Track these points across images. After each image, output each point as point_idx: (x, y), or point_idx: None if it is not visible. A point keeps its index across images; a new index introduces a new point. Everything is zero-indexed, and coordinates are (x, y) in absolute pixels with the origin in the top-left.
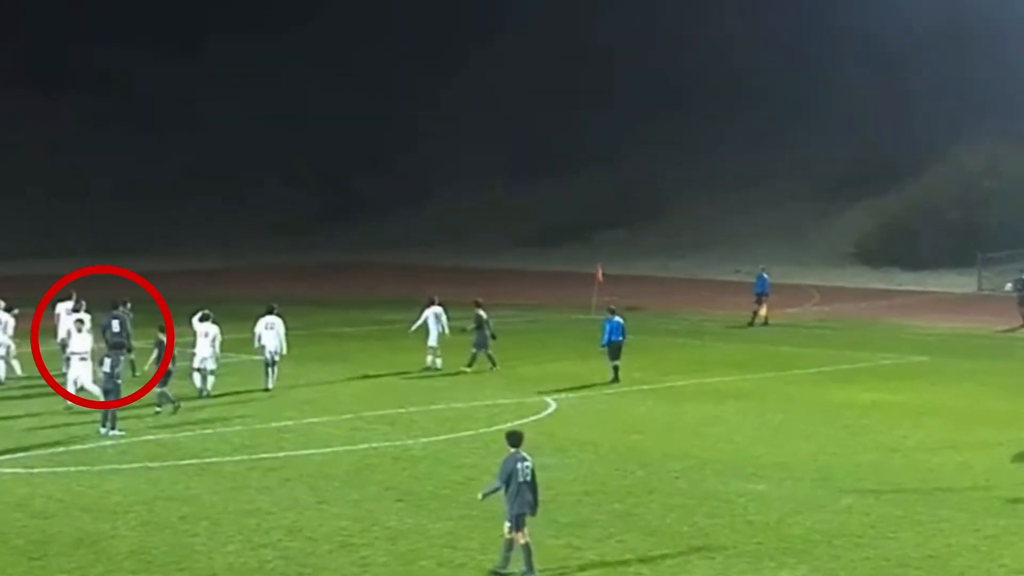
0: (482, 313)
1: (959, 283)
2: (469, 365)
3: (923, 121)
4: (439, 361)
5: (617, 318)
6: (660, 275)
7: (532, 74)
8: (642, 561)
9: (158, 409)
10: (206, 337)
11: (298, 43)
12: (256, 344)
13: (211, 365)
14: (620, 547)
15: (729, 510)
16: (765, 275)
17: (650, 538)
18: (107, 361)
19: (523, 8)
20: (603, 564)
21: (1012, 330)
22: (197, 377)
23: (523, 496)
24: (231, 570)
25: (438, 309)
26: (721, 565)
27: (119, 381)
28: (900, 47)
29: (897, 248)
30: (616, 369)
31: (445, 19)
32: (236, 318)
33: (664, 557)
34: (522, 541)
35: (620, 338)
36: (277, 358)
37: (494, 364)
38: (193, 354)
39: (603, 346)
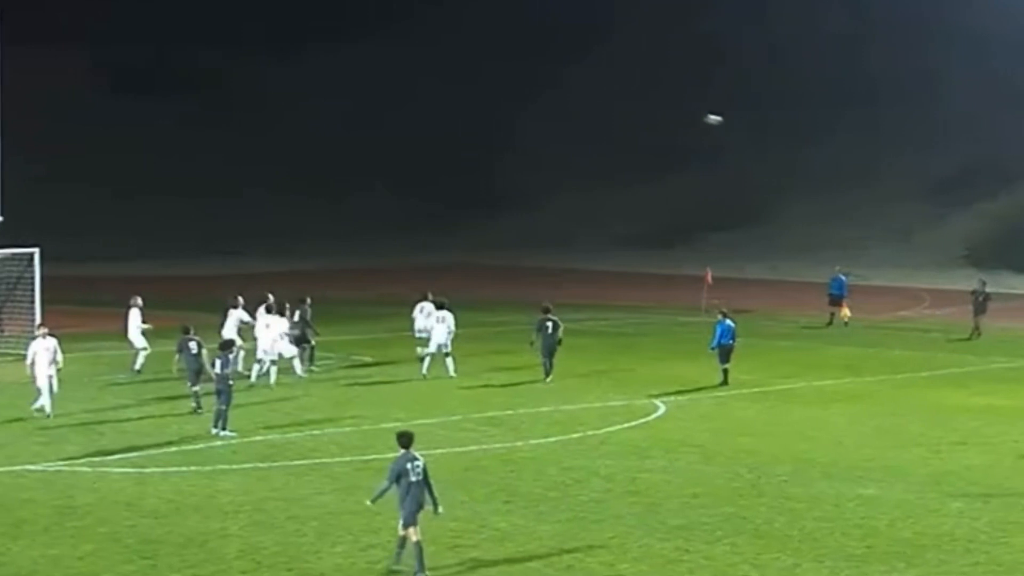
0: (552, 318)
1: None
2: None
3: None
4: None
5: (728, 321)
6: (767, 277)
7: (639, 74)
8: (751, 564)
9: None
10: (268, 329)
11: (403, 46)
12: (417, 335)
13: (285, 353)
14: (729, 550)
15: (838, 514)
16: (843, 276)
17: (759, 541)
18: (218, 362)
19: (630, 7)
20: (712, 567)
21: None
22: (256, 368)
23: (414, 495)
24: (339, 570)
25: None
26: (830, 569)
27: (231, 382)
28: (1011, 47)
29: (1008, 251)
30: (726, 372)
31: (552, 19)
32: (339, 319)
33: (773, 560)
34: (414, 539)
35: (730, 341)
36: (447, 350)
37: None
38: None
39: (713, 348)
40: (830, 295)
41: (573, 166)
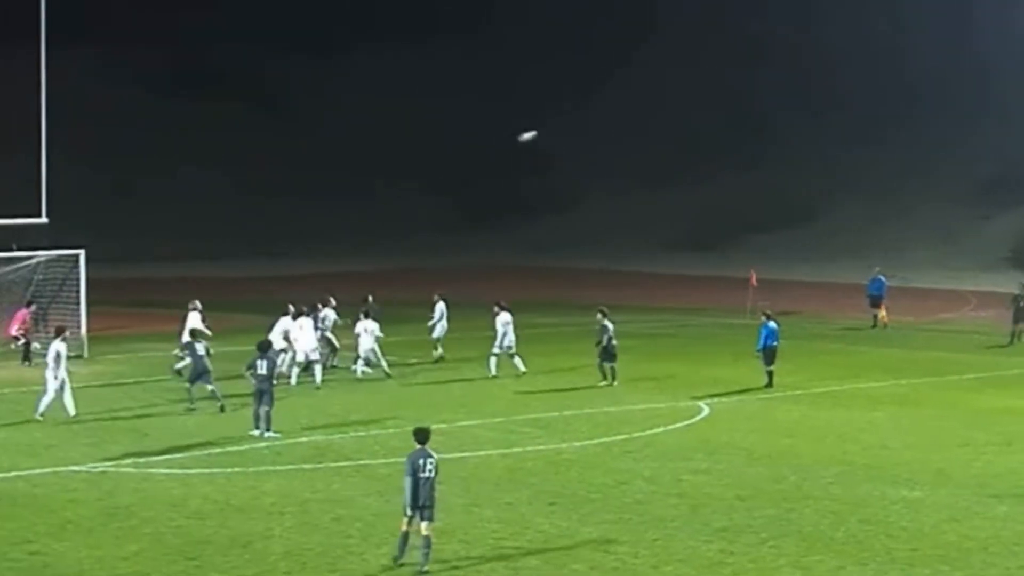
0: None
1: None
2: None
3: None
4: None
5: (772, 323)
6: (812, 279)
7: (684, 76)
8: (795, 566)
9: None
10: (301, 331)
11: (444, 49)
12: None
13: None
14: (773, 552)
15: (883, 516)
16: (882, 278)
17: (803, 543)
18: (260, 363)
19: (673, 9)
20: (756, 569)
21: None
22: (295, 372)
23: (425, 490)
24: (384, 572)
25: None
26: (874, 572)
27: (275, 382)
28: None
29: None
30: (770, 374)
31: (594, 22)
32: (384, 320)
33: (817, 563)
34: (424, 533)
35: (775, 343)
36: (512, 350)
37: (607, 378)
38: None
39: (759, 351)
40: (869, 296)
41: (617, 169)
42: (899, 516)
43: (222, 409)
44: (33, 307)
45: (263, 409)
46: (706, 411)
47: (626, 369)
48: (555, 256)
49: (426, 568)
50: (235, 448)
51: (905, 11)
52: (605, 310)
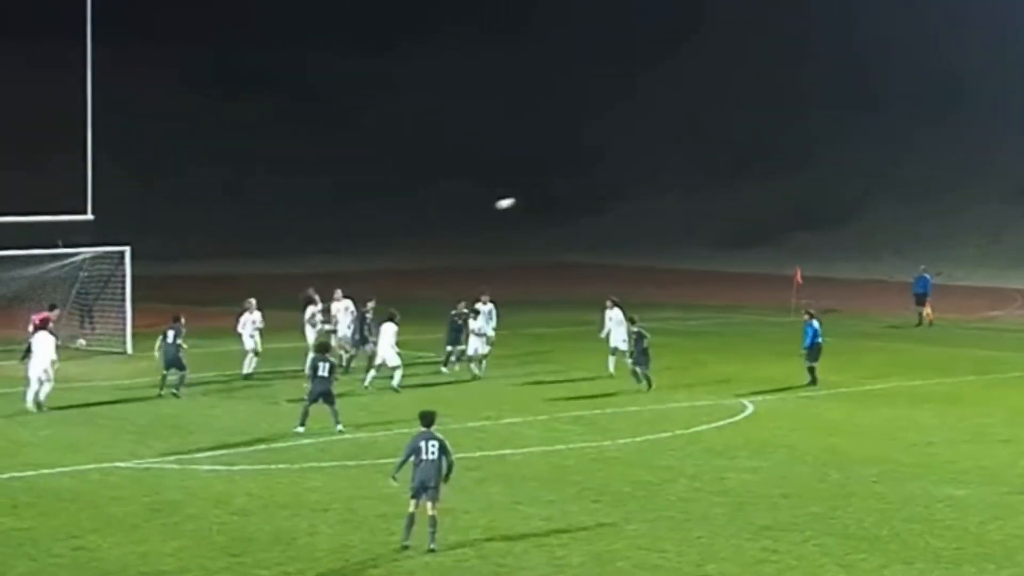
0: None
1: None
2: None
3: None
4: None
5: (815, 321)
6: (855, 277)
7: (727, 74)
8: (840, 565)
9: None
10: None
11: (489, 44)
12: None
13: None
14: (817, 550)
15: (927, 515)
16: (927, 276)
17: (848, 542)
18: (322, 365)
19: (716, 8)
20: (800, 567)
21: None
22: (371, 373)
23: (424, 471)
24: (428, 568)
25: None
26: (919, 570)
27: (336, 377)
28: None
29: None
30: (812, 371)
31: (638, 21)
32: (428, 317)
33: (862, 561)
34: (430, 512)
35: (820, 340)
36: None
37: (642, 381)
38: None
39: (805, 349)
40: (915, 294)
41: (659, 167)
42: (944, 514)
43: (160, 394)
44: (56, 311)
45: (332, 407)
46: (750, 409)
47: (669, 366)
48: (598, 254)
49: (433, 547)
50: (280, 444)
51: (949, 7)
52: (634, 317)
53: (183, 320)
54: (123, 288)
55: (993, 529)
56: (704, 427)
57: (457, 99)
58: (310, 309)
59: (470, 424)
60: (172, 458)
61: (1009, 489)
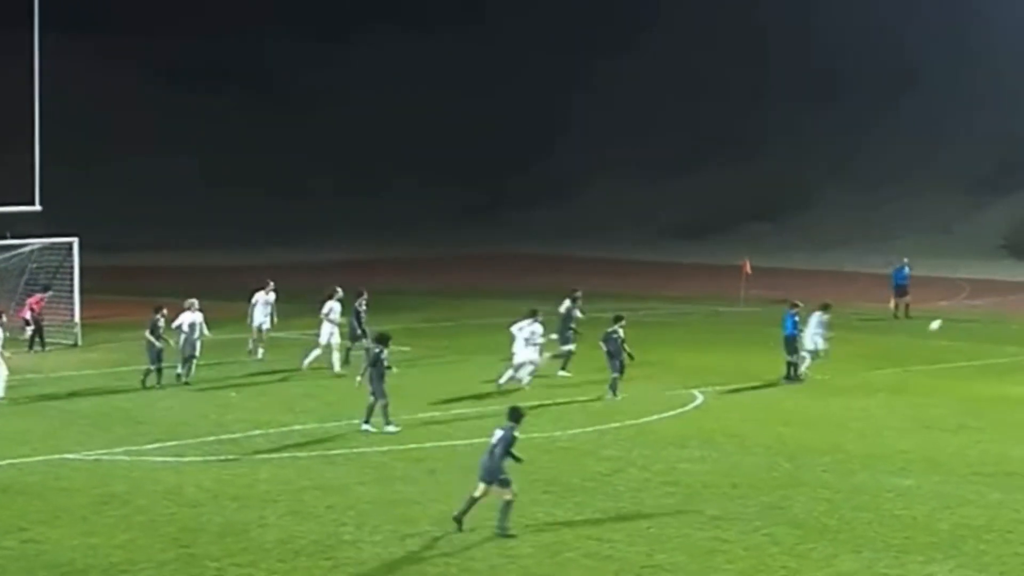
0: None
1: None
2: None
3: None
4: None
5: (795, 314)
6: (807, 268)
7: (680, 67)
8: (789, 555)
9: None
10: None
11: (445, 38)
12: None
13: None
14: (767, 540)
15: (876, 504)
16: (907, 267)
17: (797, 531)
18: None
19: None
20: (749, 557)
21: None
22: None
23: (489, 458)
24: (378, 560)
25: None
26: (868, 559)
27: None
28: None
29: None
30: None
31: (597, 12)
32: (385, 309)
33: (811, 551)
34: (506, 497)
35: (793, 333)
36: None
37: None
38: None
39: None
40: (896, 286)
41: (614, 158)
42: (893, 504)
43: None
44: (50, 292)
45: (381, 403)
46: (700, 399)
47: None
48: (554, 245)
49: (504, 525)
50: (230, 436)
51: (900, 3)
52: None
53: (164, 312)
54: (71, 279)
55: (941, 518)
56: (654, 417)
57: (413, 88)
58: (328, 304)
59: (420, 415)
60: (121, 450)
61: (957, 478)
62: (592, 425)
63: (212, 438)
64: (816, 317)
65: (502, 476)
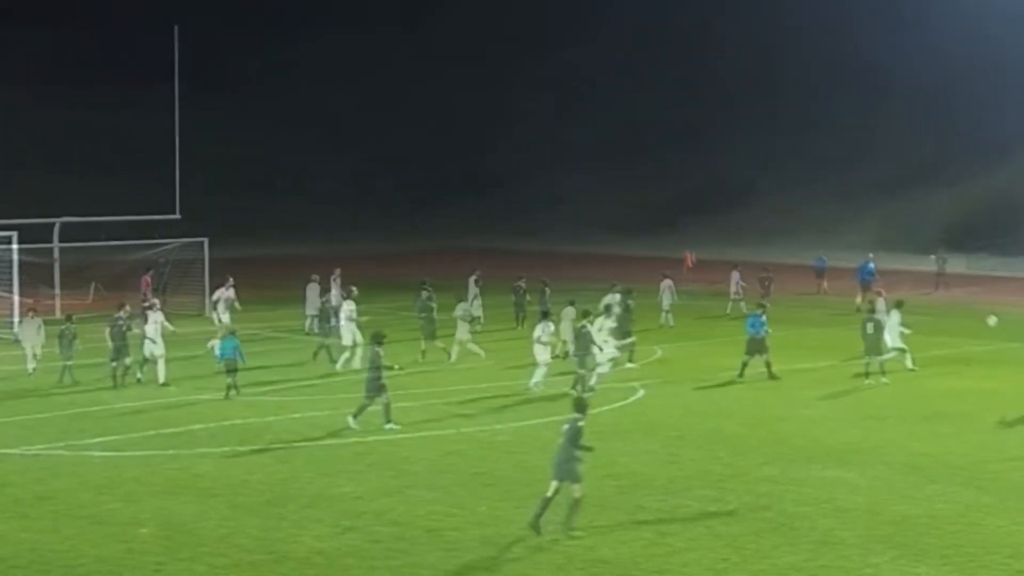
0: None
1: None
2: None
3: (1013, 112)
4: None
5: (762, 315)
6: (749, 260)
7: (624, 60)
8: (730, 547)
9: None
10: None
11: (396, 34)
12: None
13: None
14: (707, 532)
15: (816, 496)
16: (871, 264)
17: (738, 524)
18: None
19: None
20: (691, 550)
21: None
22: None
23: (561, 452)
24: (319, 554)
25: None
26: (808, 552)
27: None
28: (989, 36)
29: (985, 235)
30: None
31: (540, 7)
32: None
33: (750, 543)
34: (576, 495)
35: (757, 333)
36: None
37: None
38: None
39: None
40: (860, 280)
41: (558, 151)
42: (832, 496)
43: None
44: (151, 272)
45: (384, 400)
46: (640, 393)
47: (562, 349)
48: (498, 238)
49: (572, 524)
50: (171, 430)
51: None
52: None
53: (127, 307)
54: (203, 270)
55: (881, 510)
56: (596, 410)
57: (355, 82)
58: (345, 306)
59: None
60: (62, 444)
61: (896, 470)
62: (534, 418)
63: (152, 432)
64: (895, 315)
65: (574, 472)
